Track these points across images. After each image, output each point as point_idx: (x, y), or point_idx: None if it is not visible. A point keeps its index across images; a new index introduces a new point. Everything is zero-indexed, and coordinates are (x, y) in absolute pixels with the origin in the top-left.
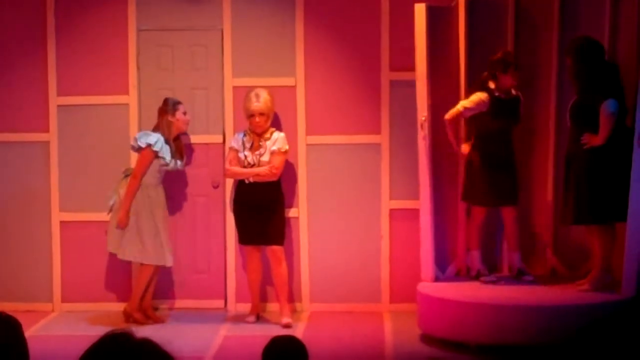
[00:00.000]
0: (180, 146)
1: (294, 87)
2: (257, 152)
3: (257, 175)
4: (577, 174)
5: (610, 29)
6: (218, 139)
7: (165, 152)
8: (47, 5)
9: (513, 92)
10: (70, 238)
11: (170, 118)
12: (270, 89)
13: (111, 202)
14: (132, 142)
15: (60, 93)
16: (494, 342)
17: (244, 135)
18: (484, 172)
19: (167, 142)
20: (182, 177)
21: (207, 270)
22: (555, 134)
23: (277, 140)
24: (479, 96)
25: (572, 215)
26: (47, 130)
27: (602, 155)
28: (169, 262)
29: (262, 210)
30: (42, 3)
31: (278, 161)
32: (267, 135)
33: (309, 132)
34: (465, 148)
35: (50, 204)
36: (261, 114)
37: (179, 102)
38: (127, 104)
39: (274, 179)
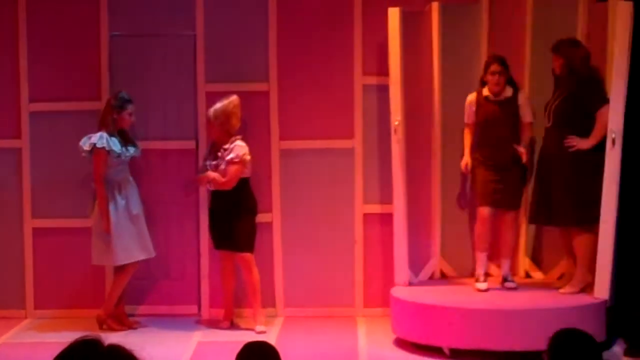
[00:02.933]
0: (127, 134)
1: (267, 92)
2: (214, 162)
3: (212, 181)
4: (562, 176)
5: (584, 34)
6: (191, 145)
7: (114, 145)
8: (19, 10)
9: (509, 93)
10: (42, 245)
11: (115, 115)
12: (244, 94)
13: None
14: (82, 153)
15: (32, 99)
16: (469, 347)
17: (211, 145)
18: (484, 173)
19: (111, 135)
20: (155, 183)
21: (180, 276)
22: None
23: (233, 149)
24: (467, 100)
25: (554, 216)
26: (18, 137)
27: (587, 157)
28: (152, 252)
29: (226, 218)
30: (13, 8)
31: (230, 170)
32: (227, 145)
33: (282, 137)
34: (465, 159)
35: (23, 210)
36: (210, 123)
37: (128, 102)
38: (99, 111)
39: (227, 187)
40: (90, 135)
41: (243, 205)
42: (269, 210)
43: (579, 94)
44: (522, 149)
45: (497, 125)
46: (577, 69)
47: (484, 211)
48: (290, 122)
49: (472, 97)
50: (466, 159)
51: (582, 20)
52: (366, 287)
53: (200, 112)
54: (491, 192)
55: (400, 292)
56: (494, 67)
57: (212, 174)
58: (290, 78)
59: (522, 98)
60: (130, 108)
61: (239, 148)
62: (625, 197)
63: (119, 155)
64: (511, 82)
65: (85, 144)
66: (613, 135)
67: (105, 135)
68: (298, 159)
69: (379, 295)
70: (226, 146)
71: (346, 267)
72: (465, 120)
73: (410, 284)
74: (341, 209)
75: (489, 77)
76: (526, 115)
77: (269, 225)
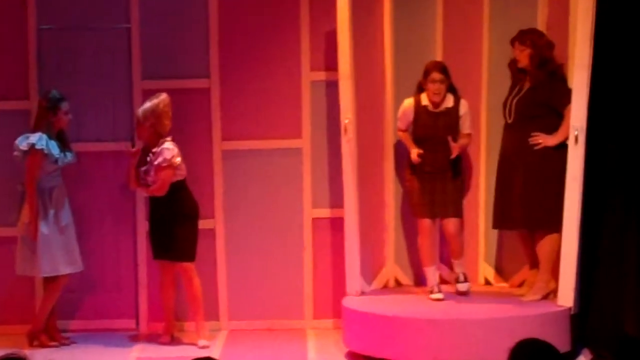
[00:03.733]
0: (65, 138)
1: (208, 89)
2: (143, 168)
3: (145, 190)
4: (525, 176)
5: (544, 24)
6: (127, 147)
7: (53, 148)
8: None
9: (450, 102)
10: None
11: (51, 118)
12: (183, 91)
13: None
14: (15, 152)
15: None
16: None
17: (144, 147)
18: (421, 182)
19: (50, 138)
20: (88, 188)
21: (116, 288)
22: (487, 134)
23: (161, 152)
24: (403, 105)
25: (516, 219)
26: None
27: (553, 155)
28: (80, 266)
29: (164, 225)
30: None
31: (159, 176)
32: (155, 148)
33: (224, 137)
34: (415, 150)
35: None
36: (139, 124)
37: (61, 100)
38: (27, 110)
39: (158, 194)
40: (28, 134)
41: (181, 211)
42: (211, 215)
43: (546, 88)
44: (454, 143)
45: (436, 138)
46: (546, 60)
47: (424, 223)
48: (233, 121)
49: (409, 104)
50: (416, 149)
51: (542, 8)
52: (316, 297)
53: (136, 112)
54: (429, 203)
55: (352, 302)
56: (434, 75)
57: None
58: (233, 74)
59: (463, 108)
60: (64, 106)
61: (167, 151)
62: (590, 197)
63: (56, 161)
64: (452, 89)
65: (22, 143)
66: (576, 132)
67: (45, 136)
68: (242, 161)
69: (330, 305)
70: (155, 149)
71: (294, 275)
72: (400, 127)
73: (363, 293)
74: (288, 214)
75: (429, 85)
76: (465, 127)
77: (211, 231)
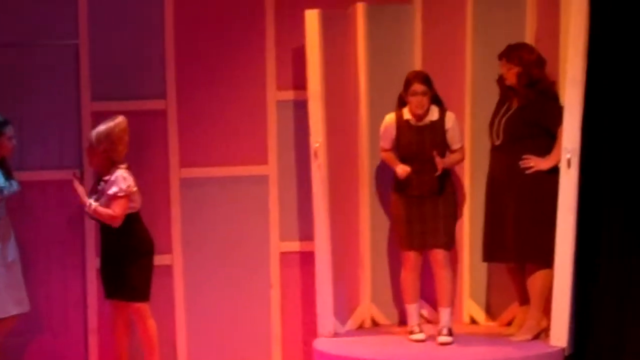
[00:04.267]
0: (8, 166)
1: (164, 111)
2: (94, 196)
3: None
4: (516, 203)
5: (533, 38)
6: (75, 173)
7: None
8: None
9: (435, 115)
10: None
11: None
12: (137, 113)
13: None
14: None
15: None
16: None
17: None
18: (407, 210)
19: None
20: (31, 221)
21: (64, 330)
22: (472, 157)
23: (115, 181)
24: (384, 122)
25: (507, 251)
26: None
27: (546, 180)
28: (27, 305)
29: (115, 261)
30: None
31: (114, 207)
32: (107, 176)
33: (183, 163)
34: (402, 166)
35: None
36: (92, 148)
37: (5, 124)
38: None
39: (115, 225)
40: None
41: (133, 246)
42: (168, 250)
43: (536, 106)
44: (439, 158)
45: (422, 156)
46: (536, 77)
47: (409, 256)
48: (193, 145)
49: (390, 119)
50: (402, 165)
51: (530, 19)
52: (285, 339)
53: (86, 136)
54: (417, 232)
55: (324, 344)
56: (416, 87)
57: (99, 208)
58: (192, 94)
59: (450, 121)
60: (9, 131)
61: (122, 180)
62: (585, 227)
63: (1, 190)
64: (437, 101)
65: None
66: (568, 155)
67: None
68: (202, 190)
69: (300, 349)
70: (106, 177)
71: (261, 315)
72: (383, 146)
73: (336, 334)
74: (254, 248)
75: (411, 98)
76: (455, 141)
77: (168, 268)
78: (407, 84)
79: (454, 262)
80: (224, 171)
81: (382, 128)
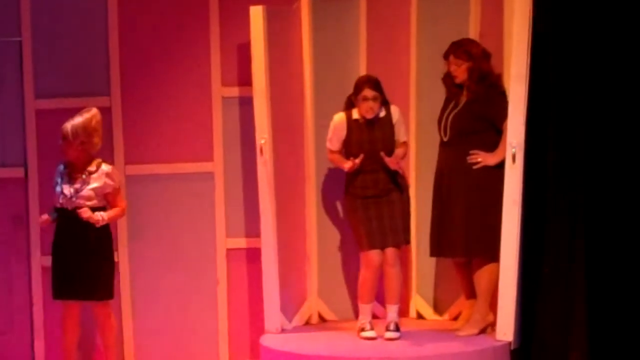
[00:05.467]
0: None
1: (108, 109)
2: (76, 185)
3: (93, 218)
4: (463, 198)
5: (477, 32)
6: (18, 173)
7: None
8: None
9: (382, 112)
10: None
11: None
12: (79, 111)
13: None
14: None
15: None
16: None
17: (64, 166)
18: (364, 209)
19: None
20: None
21: (9, 330)
22: (417, 153)
23: (110, 174)
24: (333, 121)
25: (453, 246)
26: None
27: (493, 175)
28: None
29: (81, 257)
30: None
31: (117, 200)
32: (92, 167)
33: (127, 160)
34: (349, 165)
35: None
36: (67, 141)
37: None
38: None
39: (119, 219)
40: None
41: (107, 244)
42: (114, 247)
43: (484, 101)
44: (387, 158)
45: (374, 154)
46: (485, 70)
47: (372, 255)
48: (137, 142)
49: (340, 119)
50: (349, 161)
51: (474, 15)
52: (232, 336)
53: (29, 134)
54: (378, 232)
55: (271, 340)
56: (367, 92)
57: (87, 213)
58: (136, 91)
59: (396, 115)
60: None
61: (116, 173)
62: (530, 221)
63: None
64: (385, 104)
65: None
66: (513, 150)
67: None
68: (147, 187)
69: (247, 345)
70: (91, 168)
71: (207, 312)
72: (330, 147)
73: (283, 330)
74: (200, 245)
75: (361, 103)
76: (401, 134)
77: (115, 265)
78: (357, 88)
79: (401, 258)
80: (170, 168)
81: (331, 128)
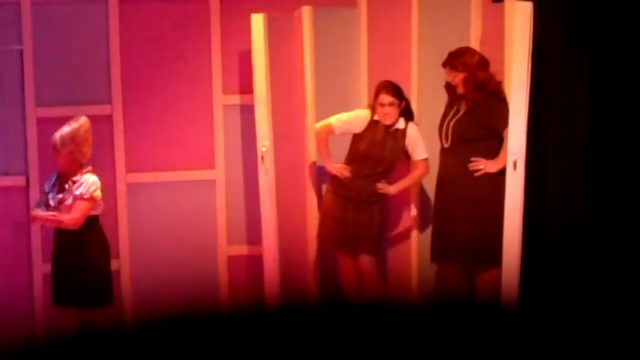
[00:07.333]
0: None
1: (109, 117)
2: (59, 195)
3: (50, 220)
4: (464, 206)
5: (478, 41)
6: (20, 181)
7: None
8: None
9: (401, 125)
10: None
11: None
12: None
13: None
14: None
15: None
16: None
17: (57, 176)
18: (343, 211)
19: None
20: None
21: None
22: None
23: (82, 184)
24: (358, 113)
25: (455, 253)
26: None
27: (495, 182)
28: None
29: (73, 264)
30: None
31: (76, 207)
32: (77, 177)
33: (129, 168)
34: (336, 168)
35: None
36: (57, 150)
37: None
38: None
39: (71, 227)
40: None
41: (94, 249)
42: (115, 255)
43: (484, 108)
44: (384, 188)
45: (379, 161)
46: (481, 80)
47: (345, 260)
48: (139, 150)
49: (366, 116)
50: (340, 167)
51: (475, 23)
52: None
53: (31, 142)
54: (348, 236)
55: None
56: (383, 98)
57: (42, 214)
58: (137, 99)
59: (411, 131)
60: None
61: (89, 183)
62: (532, 229)
63: None
64: (408, 113)
65: None
66: (514, 157)
67: None
68: (149, 194)
69: None
70: (76, 178)
71: None
72: (333, 128)
73: None
74: (202, 252)
75: (378, 109)
76: (416, 152)
77: (116, 273)
78: (375, 93)
79: (404, 263)
80: (171, 176)
81: (352, 116)
